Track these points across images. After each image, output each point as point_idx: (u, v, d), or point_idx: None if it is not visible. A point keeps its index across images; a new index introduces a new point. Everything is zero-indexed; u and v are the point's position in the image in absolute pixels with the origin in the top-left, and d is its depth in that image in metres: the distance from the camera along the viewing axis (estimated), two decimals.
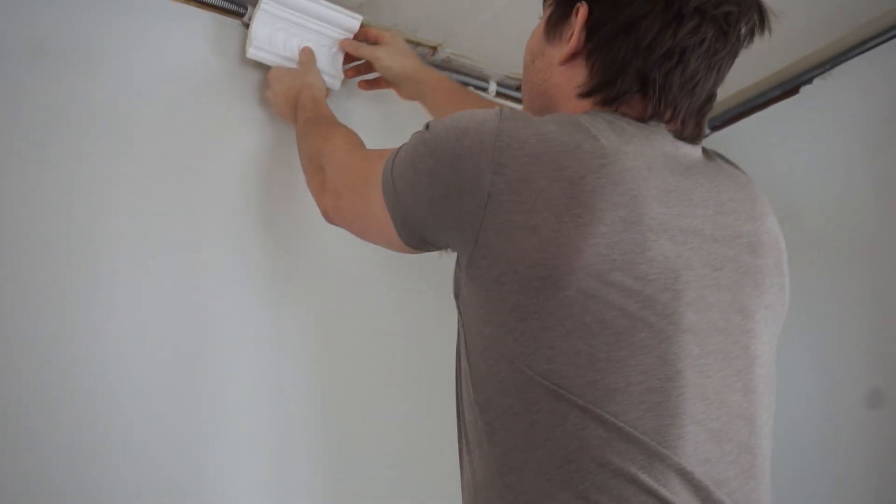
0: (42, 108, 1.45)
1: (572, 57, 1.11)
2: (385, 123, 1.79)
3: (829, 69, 1.97)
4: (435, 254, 1.17)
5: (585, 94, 1.10)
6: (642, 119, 1.07)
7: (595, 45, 1.09)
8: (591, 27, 1.09)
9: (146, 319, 1.47)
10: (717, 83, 1.10)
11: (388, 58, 1.68)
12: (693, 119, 1.08)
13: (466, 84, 1.97)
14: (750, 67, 2.04)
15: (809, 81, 2.01)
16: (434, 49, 1.89)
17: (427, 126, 1.07)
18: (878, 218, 1.84)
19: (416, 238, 1.10)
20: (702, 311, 0.99)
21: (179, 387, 1.49)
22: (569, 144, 0.97)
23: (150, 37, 1.58)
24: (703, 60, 1.06)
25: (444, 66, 1.94)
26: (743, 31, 1.09)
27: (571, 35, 1.11)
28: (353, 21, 1.71)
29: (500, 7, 1.75)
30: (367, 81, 1.76)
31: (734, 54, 1.09)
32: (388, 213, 1.09)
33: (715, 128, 2.15)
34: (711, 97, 1.10)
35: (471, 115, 1.03)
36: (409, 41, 1.84)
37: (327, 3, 1.69)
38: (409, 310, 1.78)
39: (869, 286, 1.82)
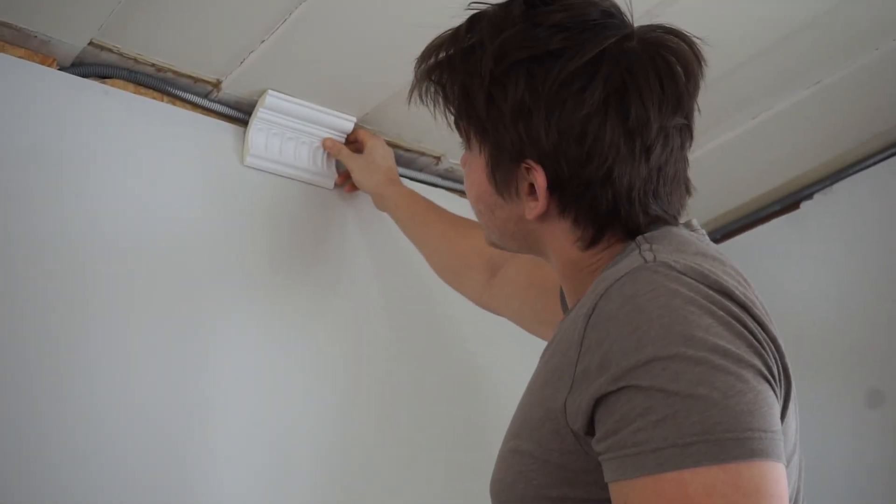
0: (43, 210, 1.47)
1: (544, 213, 1.00)
2: None
3: (829, 185, 1.99)
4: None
5: (589, 246, 1.00)
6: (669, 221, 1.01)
7: (567, 201, 0.98)
8: (552, 184, 0.97)
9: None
10: (687, 158, 1.03)
11: (359, 171, 1.73)
12: (683, 194, 1.03)
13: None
14: (750, 182, 2.06)
15: (810, 197, 2.02)
16: (437, 159, 1.91)
17: None
18: (877, 332, 1.84)
19: None
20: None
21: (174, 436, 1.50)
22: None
23: (150, 140, 1.61)
24: (678, 159, 1.00)
25: (448, 176, 1.96)
26: (696, 102, 1.02)
27: (528, 186, 0.99)
28: (348, 123, 1.76)
29: None
30: (350, 184, 1.79)
31: (692, 125, 1.02)
32: None
33: (715, 241, 2.15)
34: (687, 163, 1.03)
35: None
36: (412, 151, 1.87)
37: (322, 108, 1.73)
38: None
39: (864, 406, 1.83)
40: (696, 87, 1.01)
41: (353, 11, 1.51)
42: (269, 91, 1.67)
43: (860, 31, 1.66)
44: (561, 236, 1.01)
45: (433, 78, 1.05)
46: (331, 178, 1.78)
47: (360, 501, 1.66)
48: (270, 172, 1.71)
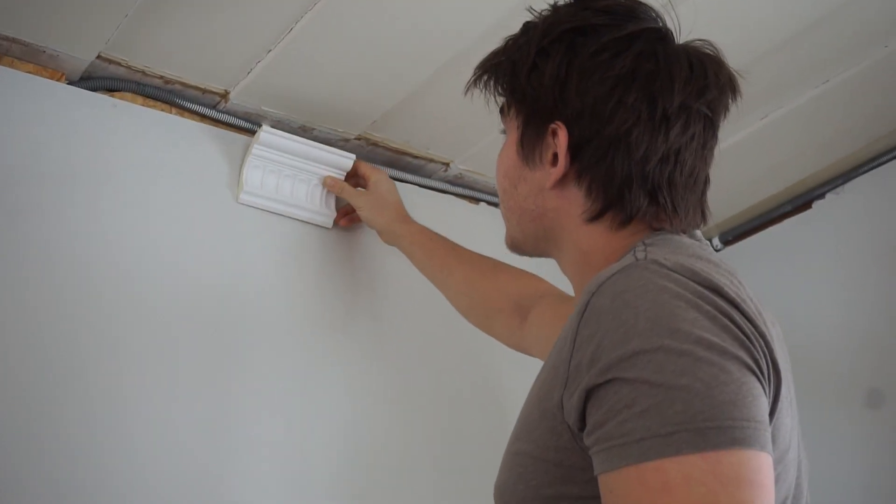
0: (56, 226, 1.47)
1: (561, 179, 1.05)
2: None
3: (841, 184, 1.98)
4: None
5: (594, 219, 1.04)
6: (674, 231, 1.03)
7: (584, 165, 1.03)
8: (573, 146, 1.03)
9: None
10: (709, 167, 1.07)
11: (367, 208, 1.69)
12: (698, 208, 1.05)
13: (478, 200, 1.98)
14: (762, 182, 2.05)
15: (822, 197, 2.01)
16: (446, 165, 1.91)
17: None
18: (889, 334, 1.84)
19: None
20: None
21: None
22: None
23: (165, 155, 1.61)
24: (697, 154, 1.03)
25: (457, 182, 1.95)
26: (724, 111, 1.06)
27: (552, 156, 1.05)
28: (346, 160, 1.73)
29: None
30: (349, 216, 1.77)
31: (717, 135, 1.07)
32: None
33: (727, 242, 2.15)
34: (707, 181, 1.07)
35: None
36: (420, 157, 1.87)
37: (319, 145, 1.71)
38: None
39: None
40: (724, 90, 1.05)
41: (359, 19, 1.51)
42: (264, 126, 1.66)
43: (868, 29, 1.66)
44: (573, 210, 1.05)
45: (486, 67, 1.12)
46: (329, 216, 1.74)
47: None
48: (265, 210, 1.68)
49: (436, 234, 1.67)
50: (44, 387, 1.39)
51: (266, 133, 1.66)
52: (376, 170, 1.75)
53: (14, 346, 1.39)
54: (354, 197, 1.71)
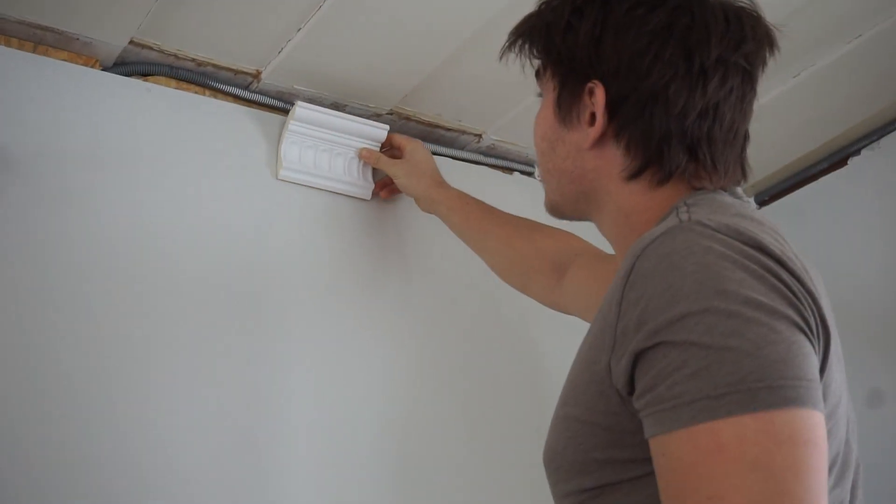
0: (95, 209, 1.50)
1: (600, 138, 1.04)
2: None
3: (876, 140, 1.96)
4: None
5: (633, 176, 1.03)
6: (714, 188, 1.03)
7: (622, 123, 1.02)
8: (611, 104, 1.03)
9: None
10: (749, 121, 1.06)
11: (405, 176, 1.71)
12: (738, 164, 1.05)
13: (512, 170, 1.98)
14: (797, 140, 2.04)
15: (857, 153, 1.99)
16: (479, 136, 1.91)
17: None
18: None
19: None
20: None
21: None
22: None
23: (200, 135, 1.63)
24: (736, 108, 1.02)
25: (490, 153, 1.96)
26: (762, 65, 1.05)
27: (590, 115, 1.04)
28: (381, 131, 1.74)
29: None
30: (388, 188, 1.79)
31: (756, 88, 1.06)
32: None
33: (763, 203, 2.14)
34: (747, 136, 1.06)
35: None
36: (452, 129, 1.87)
37: (353, 117, 1.72)
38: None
39: None
40: (761, 42, 1.04)
41: None
42: (298, 102, 1.67)
43: None
44: (612, 170, 1.05)
45: (521, 31, 1.12)
46: (368, 188, 1.76)
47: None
48: (305, 185, 1.70)
49: (472, 198, 1.68)
50: (90, 360, 1.43)
51: (301, 108, 1.67)
52: (411, 140, 1.76)
53: (48, 326, 1.41)
54: (391, 166, 1.73)
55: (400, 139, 1.76)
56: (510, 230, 1.61)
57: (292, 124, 1.67)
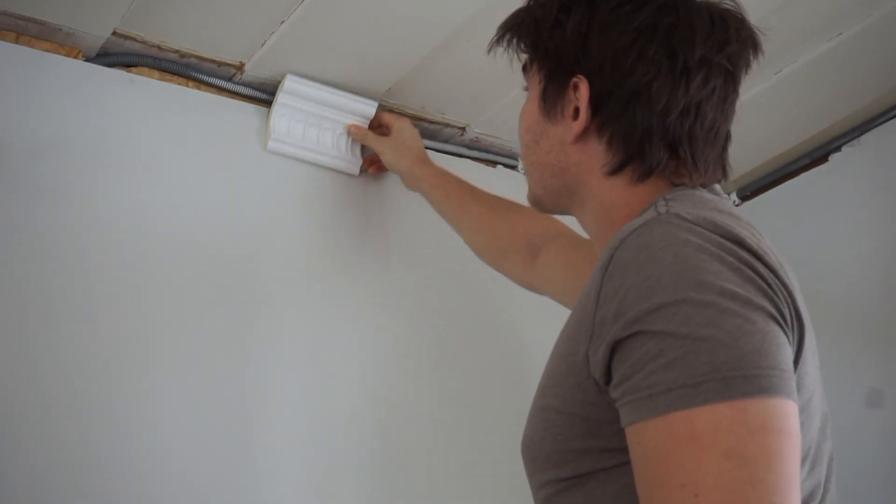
0: (76, 200, 1.50)
1: (583, 133, 1.06)
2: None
3: (857, 136, 1.97)
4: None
5: (614, 172, 1.05)
6: (694, 186, 1.04)
7: (605, 118, 1.04)
8: (595, 99, 1.04)
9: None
10: (730, 122, 1.07)
11: (390, 152, 1.73)
12: (718, 163, 1.06)
13: (496, 163, 1.99)
14: (779, 136, 2.05)
15: (838, 149, 2.00)
16: (462, 129, 1.92)
17: None
18: None
19: None
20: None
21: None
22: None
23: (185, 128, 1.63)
24: (718, 108, 1.04)
25: (473, 146, 1.96)
26: (745, 66, 1.07)
27: (574, 110, 1.06)
28: (369, 108, 1.76)
29: None
30: (375, 165, 1.80)
31: (738, 90, 1.07)
32: None
33: (745, 197, 2.14)
34: (729, 136, 1.08)
35: None
36: (436, 122, 1.87)
37: (342, 92, 1.73)
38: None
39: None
40: (745, 45, 1.06)
41: None
42: (289, 75, 1.68)
43: None
44: (594, 165, 1.06)
45: (510, 25, 1.14)
46: (356, 163, 1.78)
47: (409, 495, 1.67)
48: (293, 157, 1.71)
49: (454, 176, 1.70)
50: (83, 345, 1.44)
51: (291, 81, 1.68)
52: (399, 118, 1.78)
53: (39, 319, 1.42)
54: (377, 143, 1.75)
55: (388, 117, 1.78)
56: (488, 209, 1.63)
57: (282, 97, 1.69)
